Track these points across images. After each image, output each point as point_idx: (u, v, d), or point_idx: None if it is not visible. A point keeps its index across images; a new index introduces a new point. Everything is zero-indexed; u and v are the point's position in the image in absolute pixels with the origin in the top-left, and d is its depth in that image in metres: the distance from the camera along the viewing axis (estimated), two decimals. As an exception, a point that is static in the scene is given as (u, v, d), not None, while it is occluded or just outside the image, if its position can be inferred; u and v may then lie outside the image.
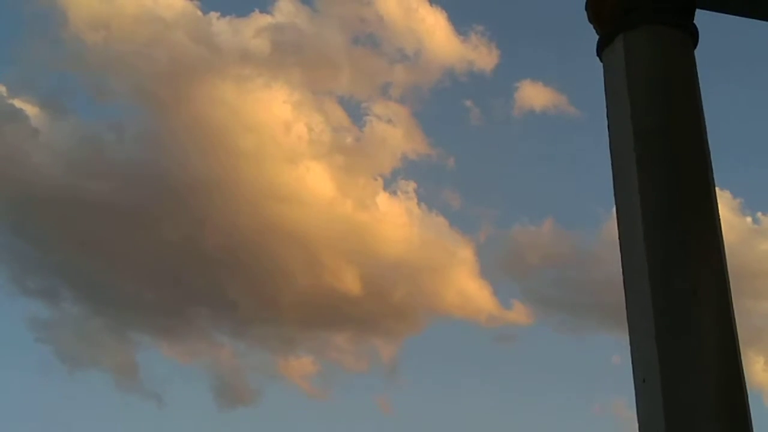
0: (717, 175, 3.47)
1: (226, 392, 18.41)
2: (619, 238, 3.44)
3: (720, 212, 3.41)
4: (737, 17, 4.06)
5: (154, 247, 17.75)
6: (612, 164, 3.57)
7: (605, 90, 3.71)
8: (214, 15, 18.76)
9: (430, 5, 19.62)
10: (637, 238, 3.30)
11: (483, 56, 19.65)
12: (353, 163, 19.33)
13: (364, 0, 19.45)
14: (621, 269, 3.40)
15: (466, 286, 18.96)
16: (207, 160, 17.91)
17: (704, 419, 2.97)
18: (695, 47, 3.70)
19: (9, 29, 20.70)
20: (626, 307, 3.32)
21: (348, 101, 19.90)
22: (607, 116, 3.67)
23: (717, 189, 3.46)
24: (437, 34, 19.44)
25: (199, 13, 18.70)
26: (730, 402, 3.03)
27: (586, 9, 3.91)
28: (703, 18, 3.77)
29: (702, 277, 3.20)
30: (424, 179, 20.15)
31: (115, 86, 19.51)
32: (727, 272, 3.27)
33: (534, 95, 20.75)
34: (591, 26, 3.90)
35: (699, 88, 3.62)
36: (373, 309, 18.49)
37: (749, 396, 3.09)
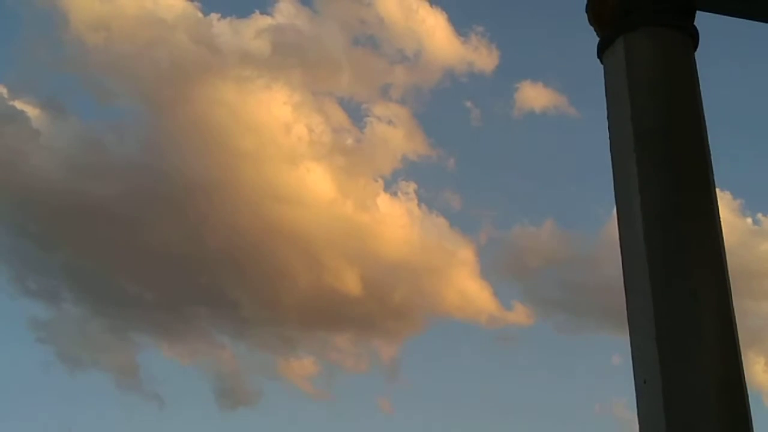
0: (717, 176, 3.47)
1: (226, 393, 18.42)
2: (620, 239, 3.45)
3: (720, 213, 3.41)
4: (737, 18, 4.06)
5: (154, 248, 17.76)
6: (612, 165, 3.58)
7: (606, 91, 3.72)
8: (214, 16, 18.79)
9: (431, 6, 19.63)
10: (638, 238, 3.30)
11: (483, 57, 19.67)
12: (354, 164, 19.35)
13: (364, 1, 19.47)
14: (621, 270, 3.40)
15: (467, 287, 18.97)
16: (207, 160, 17.92)
17: (705, 420, 2.98)
18: (695, 48, 3.71)
19: (9, 30, 20.71)
20: (627, 308, 3.33)
21: (348, 102, 19.92)
22: (608, 117, 3.68)
23: (717, 190, 3.47)
24: (437, 35, 19.46)
25: (200, 14, 18.72)
26: (730, 403, 3.03)
27: (586, 11, 3.92)
28: (703, 19, 3.77)
29: (702, 277, 3.21)
30: (424, 180, 20.17)
31: (115, 87, 19.53)
32: (727, 273, 3.28)
33: (534, 96, 20.74)
34: (591, 28, 3.91)
35: (699, 89, 3.63)
36: (374, 310, 18.50)
37: (749, 397, 3.10)
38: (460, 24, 19.63)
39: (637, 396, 3.16)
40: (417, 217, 19.44)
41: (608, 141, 3.65)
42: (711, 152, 3.51)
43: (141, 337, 19.54)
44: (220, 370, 19.19)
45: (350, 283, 18.09)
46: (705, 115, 3.58)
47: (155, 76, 17.97)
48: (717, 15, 3.96)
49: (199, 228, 17.72)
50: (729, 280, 3.27)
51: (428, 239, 19.39)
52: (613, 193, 3.54)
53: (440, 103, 20.70)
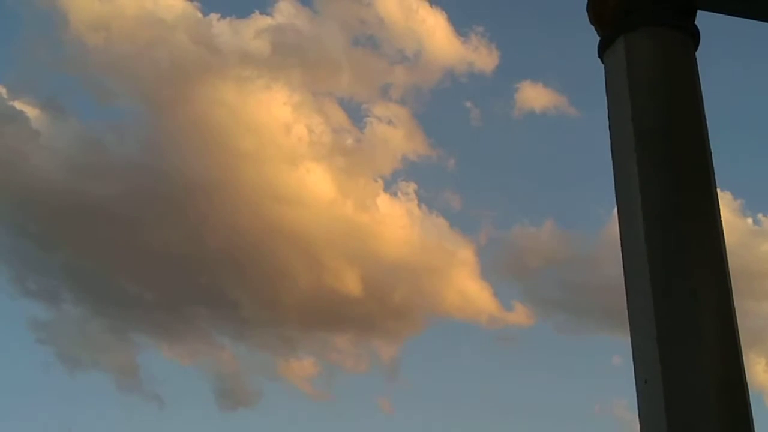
0: (718, 176, 3.47)
1: (226, 393, 18.42)
2: (620, 239, 3.44)
3: (721, 213, 3.41)
4: (738, 18, 4.06)
5: (155, 248, 17.75)
6: (613, 165, 3.57)
7: (606, 91, 3.72)
8: (214, 16, 18.80)
9: (431, 6, 19.65)
10: (638, 239, 3.30)
11: (483, 57, 19.69)
12: (354, 165, 19.36)
13: (364, 1, 19.48)
14: (622, 270, 3.40)
15: (467, 287, 18.98)
16: (207, 161, 17.92)
17: (705, 420, 2.97)
18: (696, 48, 3.71)
19: (9, 31, 20.73)
20: (627, 309, 3.32)
21: (348, 102, 19.94)
22: (609, 117, 3.68)
23: (718, 190, 3.46)
24: (437, 35, 19.48)
25: (200, 14, 18.73)
26: (731, 403, 3.03)
27: (587, 11, 3.91)
28: (704, 19, 3.77)
29: (703, 278, 3.20)
30: (424, 180, 20.20)
31: (115, 88, 19.54)
32: (728, 273, 3.27)
33: (534, 96, 20.77)
34: (591, 27, 3.91)
35: (700, 89, 3.62)
36: (374, 310, 18.50)
37: (750, 397, 3.09)
38: (460, 24, 19.66)
39: (638, 396, 3.15)
40: (417, 217, 19.46)
41: (609, 141, 3.65)
42: (712, 152, 3.51)
43: (141, 337, 19.57)
44: (220, 370, 19.20)
45: (350, 283, 18.10)
46: (706, 115, 3.58)
47: (155, 76, 17.99)
48: (718, 15, 3.95)
49: (199, 228, 17.73)
50: (730, 280, 3.26)
51: (428, 239, 19.41)
52: (613, 193, 3.54)
53: (440, 103, 20.73)
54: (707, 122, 3.57)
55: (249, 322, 18.36)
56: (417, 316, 19.30)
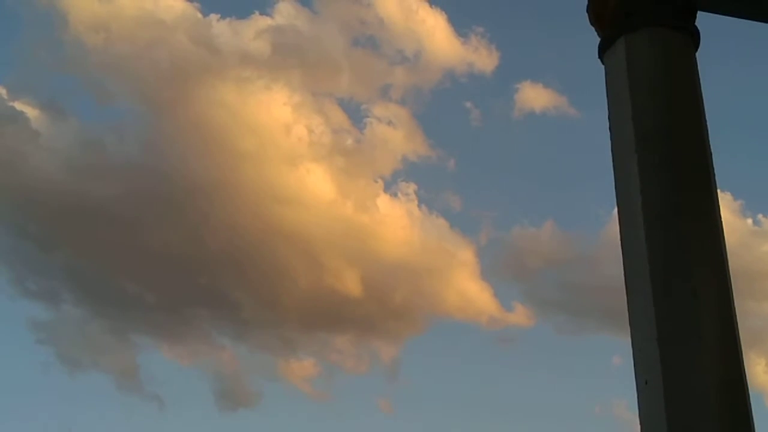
0: (718, 177, 3.47)
1: (226, 394, 18.43)
2: (621, 240, 3.44)
3: (721, 214, 3.41)
4: (739, 19, 4.06)
5: (155, 249, 17.75)
6: (613, 166, 3.58)
7: (607, 92, 3.72)
8: (214, 17, 18.83)
9: (430, 7, 19.67)
10: (639, 239, 3.30)
11: (483, 58, 19.71)
12: (354, 165, 19.37)
13: (364, 1, 19.51)
14: (622, 271, 3.40)
15: (467, 288, 18.99)
16: (207, 161, 17.93)
17: (705, 420, 2.97)
18: (697, 49, 3.71)
19: (9, 31, 20.74)
20: (627, 309, 3.32)
21: (348, 103, 19.97)
22: (609, 118, 3.68)
23: (718, 191, 3.46)
24: (437, 36, 19.50)
25: (199, 15, 18.76)
26: (731, 404, 3.03)
27: (587, 11, 3.92)
28: (704, 19, 3.77)
29: (703, 278, 3.20)
30: (424, 181, 20.23)
31: (115, 88, 19.58)
32: (728, 274, 3.27)
33: (534, 96, 20.80)
34: (591, 28, 3.91)
35: (700, 89, 3.62)
36: (374, 311, 18.51)
37: (750, 397, 3.10)
38: (460, 24, 19.68)
39: (638, 397, 3.15)
40: (417, 217, 19.48)
41: (609, 141, 3.65)
42: (712, 152, 3.51)
43: (141, 338, 19.60)
44: (220, 371, 19.22)
45: (350, 284, 18.11)
46: (706, 115, 3.58)
47: (155, 77, 18.00)
48: (718, 15, 3.95)
49: (200, 229, 17.73)
50: (730, 280, 3.26)
51: (428, 240, 19.42)
52: (613, 193, 3.54)
53: (440, 104, 20.75)
54: (707, 122, 3.57)
55: (249, 322, 18.38)
56: (417, 316, 19.32)
